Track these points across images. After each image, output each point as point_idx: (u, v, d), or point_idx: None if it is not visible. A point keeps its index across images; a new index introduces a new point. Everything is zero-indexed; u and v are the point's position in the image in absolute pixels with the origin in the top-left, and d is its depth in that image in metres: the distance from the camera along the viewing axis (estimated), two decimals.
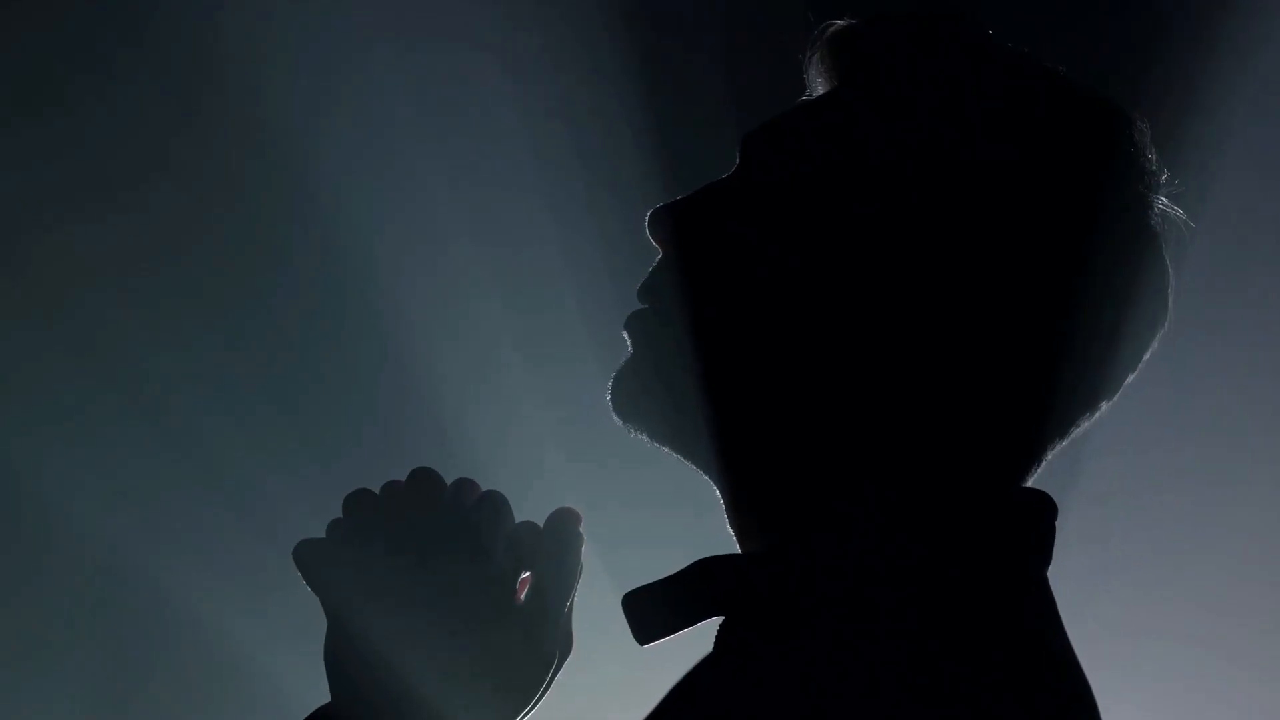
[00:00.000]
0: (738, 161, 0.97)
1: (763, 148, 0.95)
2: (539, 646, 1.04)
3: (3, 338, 2.67)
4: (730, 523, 0.94)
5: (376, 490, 1.06)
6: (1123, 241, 0.90)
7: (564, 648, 1.06)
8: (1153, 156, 0.93)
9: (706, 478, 0.95)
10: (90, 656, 2.83)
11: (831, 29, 0.98)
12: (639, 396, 0.94)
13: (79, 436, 2.72)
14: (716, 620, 0.88)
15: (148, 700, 2.86)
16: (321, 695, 1.04)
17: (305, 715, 1.04)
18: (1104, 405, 0.93)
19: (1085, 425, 0.93)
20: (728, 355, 0.91)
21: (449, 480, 1.07)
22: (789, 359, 0.89)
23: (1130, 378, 0.94)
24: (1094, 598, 2.59)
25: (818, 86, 0.99)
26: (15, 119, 2.57)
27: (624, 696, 2.49)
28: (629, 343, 0.95)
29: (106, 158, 2.62)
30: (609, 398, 0.95)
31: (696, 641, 0.88)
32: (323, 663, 1.04)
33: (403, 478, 1.07)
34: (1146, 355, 0.94)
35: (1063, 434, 0.92)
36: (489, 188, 2.59)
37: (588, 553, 1.06)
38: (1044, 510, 0.88)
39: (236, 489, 2.72)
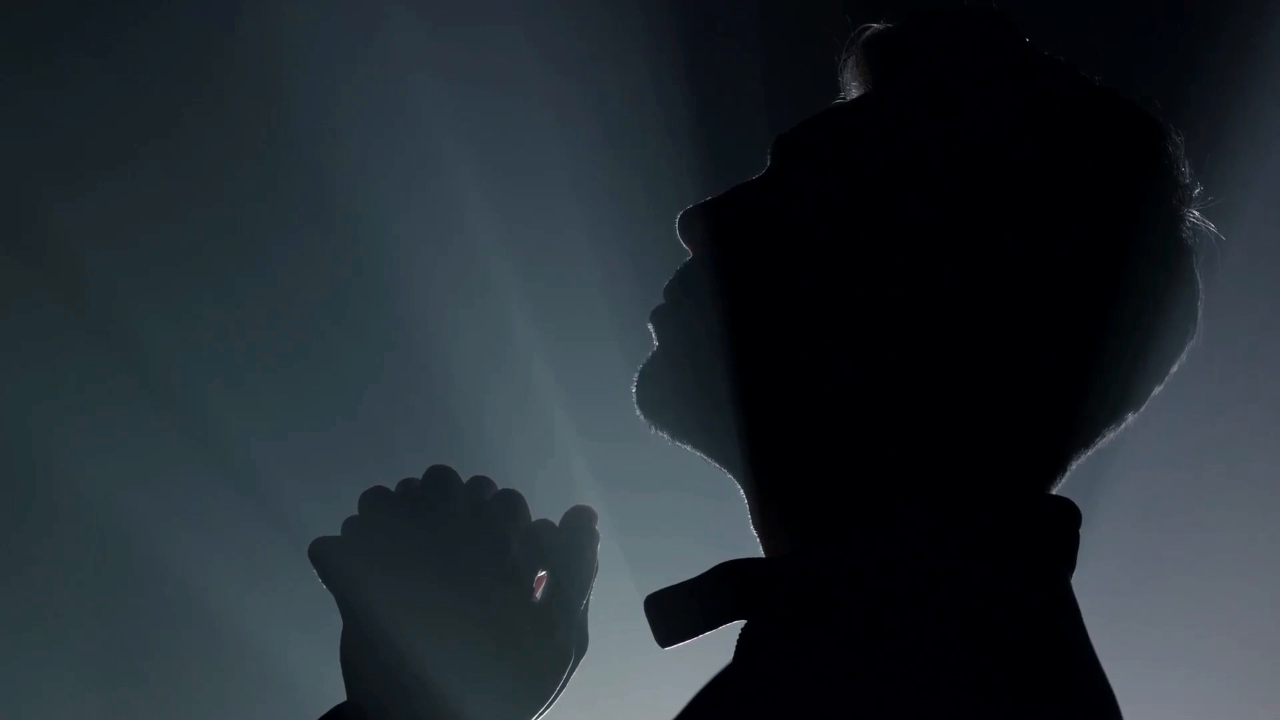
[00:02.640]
0: (769, 163, 0.97)
1: (797, 150, 0.95)
2: (555, 644, 1.04)
3: (12, 314, 2.67)
4: (754, 523, 0.94)
5: (392, 488, 1.06)
6: (1154, 255, 0.90)
7: (580, 645, 1.06)
8: (1186, 169, 0.92)
9: (729, 476, 0.95)
10: (95, 633, 2.84)
11: (868, 32, 0.98)
12: (667, 393, 0.94)
13: (88, 413, 2.71)
14: (739, 623, 0.88)
15: (152, 678, 2.87)
16: (330, 679, 1.04)
17: (321, 715, 1.04)
18: (1130, 417, 0.94)
19: (1111, 436, 0.93)
20: (760, 356, 0.91)
21: (465, 477, 1.07)
22: (822, 363, 0.89)
23: (1157, 389, 0.94)
24: (1119, 603, 2.58)
25: (852, 89, 0.99)
26: (20, 87, 2.56)
27: (644, 696, 2.48)
28: (655, 337, 0.95)
29: (117, 129, 2.61)
30: (635, 392, 0.95)
31: (718, 644, 0.88)
32: (333, 654, 1.05)
33: (418, 475, 1.07)
34: (1174, 368, 0.94)
35: (1088, 444, 0.93)
36: (509, 168, 2.58)
37: (604, 549, 1.06)
38: (1069, 517, 0.88)
39: (247, 470, 2.72)
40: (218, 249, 2.69)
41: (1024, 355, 0.88)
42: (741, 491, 0.94)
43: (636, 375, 0.95)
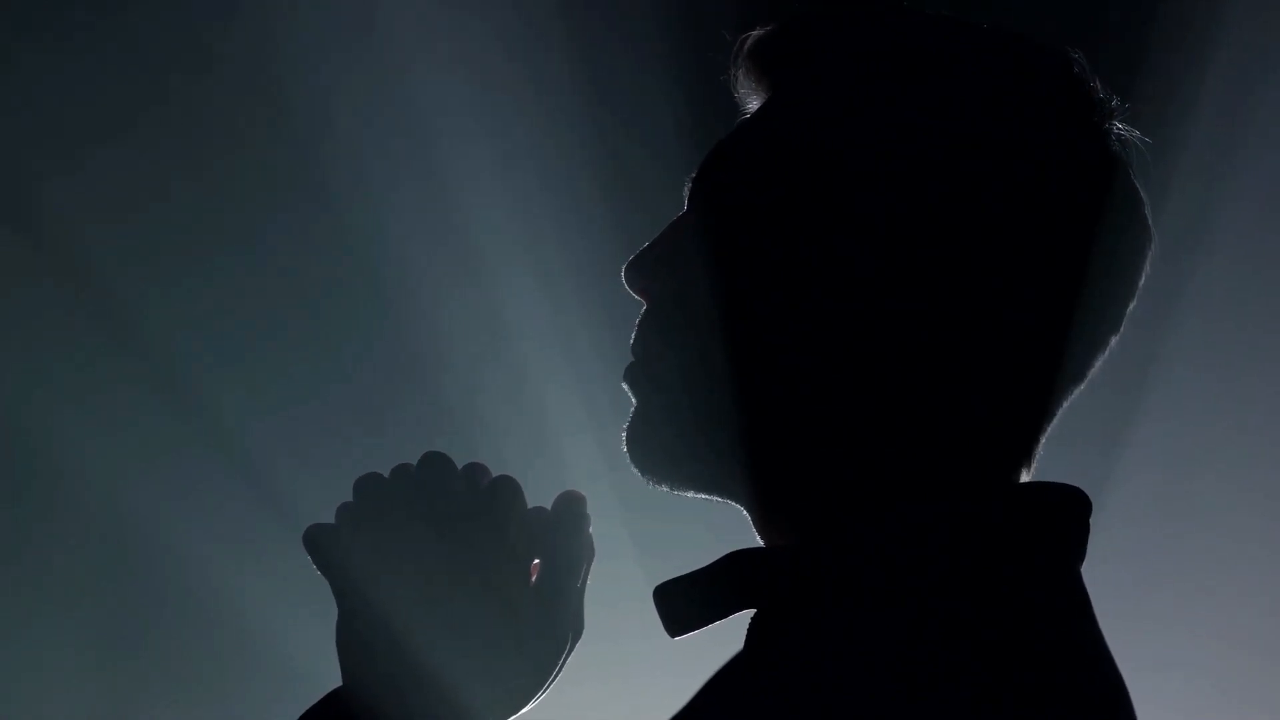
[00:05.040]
0: (688, 194, 0.96)
1: (706, 183, 0.95)
2: (553, 629, 1.04)
3: (13, 295, 2.65)
4: (761, 536, 0.94)
5: (387, 474, 1.05)
6: (1089, 177, 0.90)
7: (576, 630, 1.06)
8: (1097, 85, 0.92)
9: (733, 504, 0.94)
10: (93, 614, 2.83)
11: (749, 41, 0.97)
12: (654, 448, 0.94)
13: (86, 392, 2.70)
14: (748, 613, 0.87)
15: (150, 659, 2.86)
16: (327, 660, 1.04)
17: (316, 700, 1.03)
18: (1113, 340, 0.93)
19: (1099, 363, 0.93)
20: (730, 382, 0.90)
21: (460, 463, 1.06)
22: (792, 373, 0.89)
23: (1131, 306, 0.93)
24: (1130, 594, 2.58)
25: (751, 102, 0.98)
26: (15, 60, 2.54)
27: (652, 682, 2.48)
28: (630, 395, 0.95)
29: (112, 106, 2.59)
30: (626, 451, 0.95)
31: (727, 634, 0.88)
32: (329, 635, 1.04)
33: (413, 460, 1.06)
34: (1142, 280, 0.94)
35: (1080, 378, 0.92)
36: (506, 149, 2.56)
37: (611, 535, 1.06)
38: (1079, 506, 0.88)
39: (244, 452, 2.71)
40: (213, 228, 2.68)
41: (994, 319, 0.87)
42: (745, 513, 0.94)
43: (624, 437, 0.95)
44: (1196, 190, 2.32)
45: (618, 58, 2.45)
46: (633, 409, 0.95)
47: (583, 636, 1.06)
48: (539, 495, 1.06)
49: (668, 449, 0.93)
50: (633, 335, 0.96)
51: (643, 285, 0.95)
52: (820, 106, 0.91)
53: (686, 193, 0.96)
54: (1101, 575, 0.92)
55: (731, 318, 0.90)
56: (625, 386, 0.95)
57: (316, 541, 1.04)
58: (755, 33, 0.97)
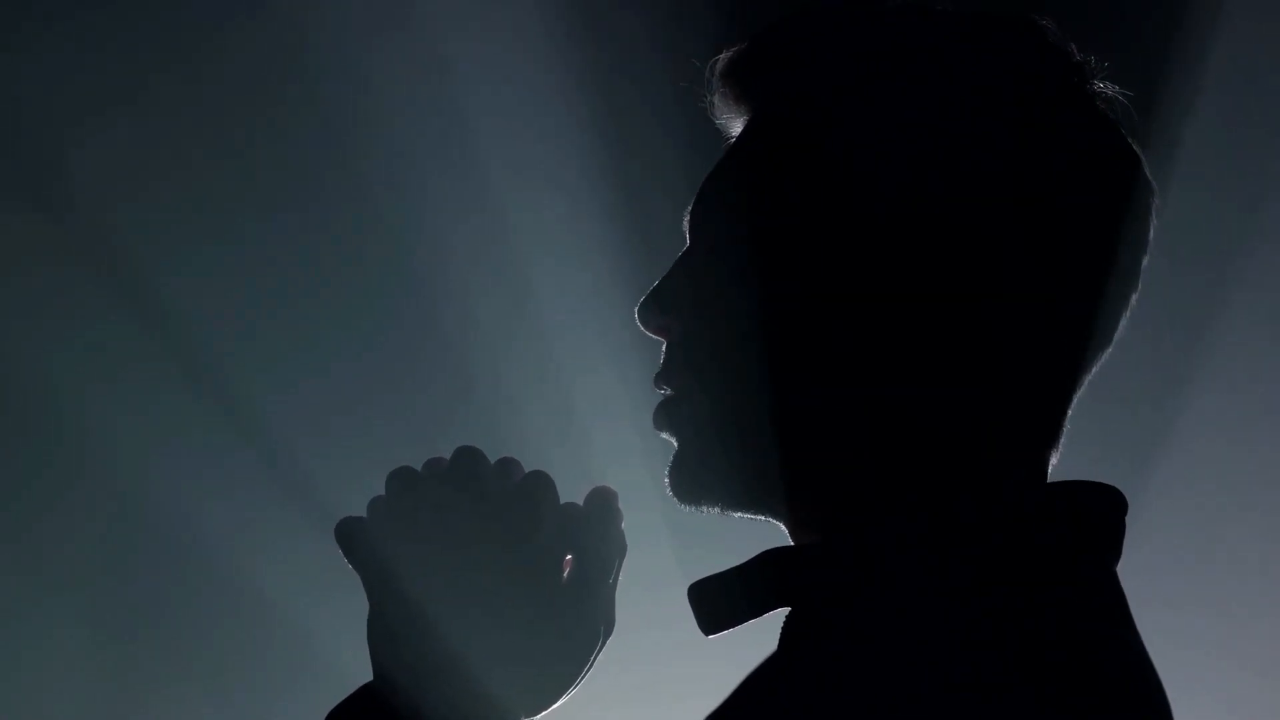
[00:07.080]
0: (687, 227, 0.96)
1: (700, 214, 0.95)
2: (585, 625, 1.04)
3: (35, 274, 2.66)
4: (794, 541, 0.93)
5: (419, 468, 1.05)
6: (1083, 141, 0.89)
7: (607, 626, 1.06)
8: (1073, 49, 0.92)
9: (773, 521, 0.94)
10: (111, 598, 2.84)
11: (721, 65, 0.97)
12: (699, 478, 0.94)
13: (111, 374, 2.70)
14: (781, 612, 0.87)
15: (167, 645, 2.87)
16: (351, 656, 1.04)
17: (347, 695, 1.03)
18: (1134, 297, 0.93)
19: (1125, 321, 0.93)
20: (759, 409, 0.90)
21: (492, 458, 1.06)
22: (814, 384, 0.89)
23: (1146, 260, 0.93)
24: (1166, 595, 2.56)
25: (734, 126, 0.97)
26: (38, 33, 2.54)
27: (683, 684, 2.48)
28: (668, 436, 0.95)
29: (138, 81, 2.59)
30: (670, 492, 0.95)
31: (760, 632, 0.87)
32: (350, 621, 1.04)
33: (445, 454, 1.06)
34: (1152, 234, 0.93)
35: (1107, 342, 0.92)
36: (542, 132, 2.55)
37: (645, 528, 1.06)
38: (1114, 506, 0.87)
39: (270, 435, 2.71)
40: (240, 207, 2.67)
41: (1012, 306, 0.86)
42: (783, 527, 0.94)
43: (666, 476, 0.95)
44: (1233, 191, 2.31)
45: (656, 50, 2.45)
46: (674, 451, 0.95)
47: (614, 633, 1.06)
48: (570, 488, 1.06)
49: (719, 479, 0.93)
50: (656, 372, 0.96)
51: (658, 324, 0.95)
52: (802, 123, 0.91)
53: (686, 226, 0.96)
54: (1141, 576, 0.92)
55: (750, 347, 0.90)
56: (662, 434, 0.96)
57: (348, 536, 1.04)
58: (725, 55, 0.97)
